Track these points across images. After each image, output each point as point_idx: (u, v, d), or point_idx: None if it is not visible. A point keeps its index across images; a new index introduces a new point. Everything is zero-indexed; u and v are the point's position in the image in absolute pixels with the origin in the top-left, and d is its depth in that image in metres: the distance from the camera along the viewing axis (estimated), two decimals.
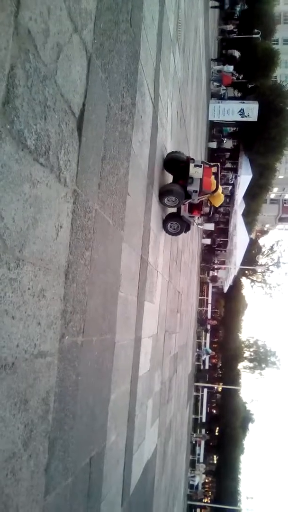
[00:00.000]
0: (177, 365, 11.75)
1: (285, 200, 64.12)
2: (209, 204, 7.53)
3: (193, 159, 6.71)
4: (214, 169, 6.95)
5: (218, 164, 7.28)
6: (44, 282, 2.34)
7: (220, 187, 7.23)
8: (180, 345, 12.82)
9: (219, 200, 7.41)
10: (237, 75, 28.25)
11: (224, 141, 30.81)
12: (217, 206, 7.82)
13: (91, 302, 3.21)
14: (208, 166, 6.80)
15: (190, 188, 6.57)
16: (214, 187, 6.90)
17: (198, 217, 7.82)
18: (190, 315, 18.19)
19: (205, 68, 17.46)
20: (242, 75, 30.44)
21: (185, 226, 7.51)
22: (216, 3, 25.47)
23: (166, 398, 9.17)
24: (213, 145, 27.50)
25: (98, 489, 3.85)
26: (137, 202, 4.77)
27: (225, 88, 25.44)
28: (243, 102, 24.15)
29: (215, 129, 29.33)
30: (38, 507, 2.44)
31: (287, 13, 58.87)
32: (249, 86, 30.01)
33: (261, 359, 55.75)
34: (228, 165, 30.85)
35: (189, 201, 6.80)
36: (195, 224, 8.05)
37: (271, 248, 51.45)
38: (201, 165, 6.63)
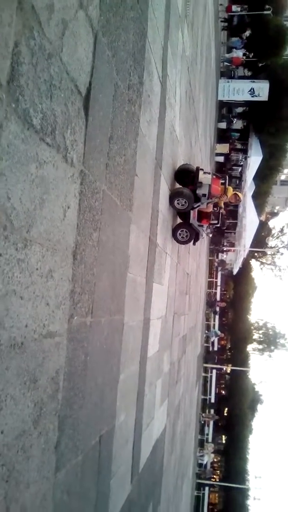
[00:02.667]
0: (186, 346, 11.82)
1: None
2: (218, 210, 7.79)
3: (202, 169, 7.07)
4: (222, 180, 7.35)
5: (226, 176, 7.81)
6: (52, 263, 2.35)
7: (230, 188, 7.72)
8: (189, 326, 12.88)
9: (229, 192, 7.73)
10: (247, 53, 27.70)
11: (234, 121, 30.39)
12: (229, 199, 8.08)
13: (100, 283, 3.22)
14: (216, 176, 7.22)
15: (199, 192, 6.91)
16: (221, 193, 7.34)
17: (207, 226, 8.03)
18: (199, 297, 18.22)
19: (214, 45, 17.12)
20: (252, 54, 29.84)
21: (195, 235, 7.72)
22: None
23: (175, 379, 9.25)
24: (223, 125, 27.13)
25: (108, 467, 3.92)
26: (145, 183, 4.74)
27: (235, 67, 24.99)
28: (254, 81, 23.73)
29: (225, 108, 28.91)
30: (49, 484, 2.49)
31: None
32: (260, 64, 29.36)
33: (270, 341, 55.88)
34: (238, 146, 30.47)
35: (198, 204, 7.06)
36: (204, 233, 8.21)
37: (281, 230, 51.04)
38: (210, 173, 7.08)
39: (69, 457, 2.81)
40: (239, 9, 26.02)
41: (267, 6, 27.38)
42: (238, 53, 24.91)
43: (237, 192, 8.09)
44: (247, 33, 27.14)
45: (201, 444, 30.62)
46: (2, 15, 1.72)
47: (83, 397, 2.98)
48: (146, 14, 4.31)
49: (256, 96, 22.90)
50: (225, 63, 24.80)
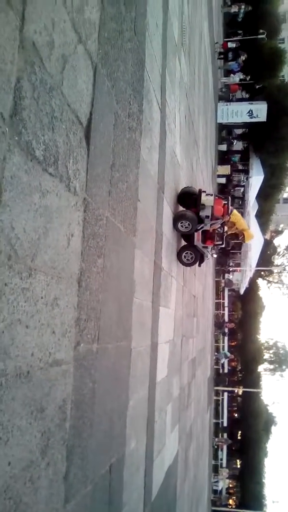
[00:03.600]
0: (195, 369, 11.68)
1: None
2: (222, 231, 7.86)
3: (204, 191, 7.21)
4: (224, 201, 7.45)
5: (229, 196, 7.94)
6: (57, 291, 2.36)
7: (250, 232, 7.85)
8: (198, 349, 12.76)
9: (249, 237, 7.87)
10: (244, 76, 28.23)
11: (234, 143, 30.76)
12: (246, 242, 8.34)
13: (106, 309, 3.22)
14: (219, 197, 7.36)
15: (202, 214, 7.04)
16: (224, 214, 7.40)
17: (211, 247, 8.10)
18: (207, 318, 18.10)
19: (211, 70, 17.46)
20: (249, 76, 30.42)
21: (199, 256, 7.77)
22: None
23: (185, 403, 9.12)
24: (223, 147, 27.47)
25: (119, 496, 3.85)
26: (148, 208, 4.78)
27: (233, 94, 25.50)
28: (251, 103, 24.10)
29: (225, 131, 29.31)
30: None
31: None
32: (257, 86, 29.93)
33: (281, 361, 55.09)
34: (239, 166, 30.76)
35: (202, 226, 7.14)
36: (209, 255, 8.26)
37: (287, 248, 50.99)
38: (212, 194, 7.22)
39: (79, 488, 2.76)
40: (234, 44, 26.91)
41: (261, 31, 28.06)
42: (235, 78, 25.49)
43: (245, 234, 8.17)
44: (243, 57, 27.76)
45: (215, 469, 29.94)
46: (4, 54, 1.79)
47: (91, 425, 2.95)
48: (143, 45, 4.42)
49: (254, 117, 23.22)
50: (223, 89, 25.33)
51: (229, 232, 7.95)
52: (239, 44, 27.63)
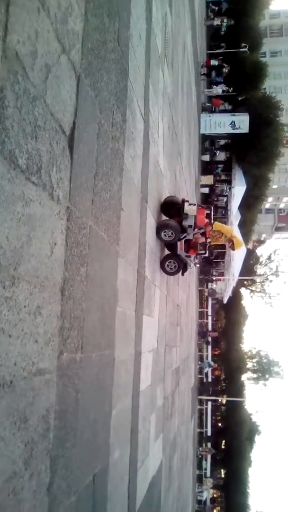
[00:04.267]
0: (179, 378, 11.67)
1: (280, 209, 64.58)
2: (208, 244, 7.91)
3: (187, 200, 7.25)
4: (207, 210, 7.59)
5: (211, 206, 8.02)
6: (40, 300, 2.35)
7: (239, 238, 7.91)
8: (182, 358, 12.76)
9: (239, 244, 7.91)
10: (227, 88, 28.67)
11: (217, 154, 31.12)
12: (236, 249, 8.31)
13: (89, 318, 3.22)
14: (201, 207, 7.41)
15: (185, 223, 7.09)
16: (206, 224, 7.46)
17: (194, 257, 8.16)
18: (191, 328, 18.13)
19: (194, 81, 17.69)
20: (232, 88, 30.90)
21: (183, 265, 7.83)
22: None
23: (169, 413, 9.09)
24: (206, 157, 27.77)
25: (103, 507, 3.81)
26: (132, 217, 4.80)
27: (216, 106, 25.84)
28: (234, 115, 24.48)
29: (208, 141, 29.63)
30: None
31: (272, 26, 60.06)
32: (239, 98, 30.43)
33: (264, 370, 55.42)
34: (222, 177, 31.09)
35: (185, 235, 7.20)
36: (192, 264, 8.32)
37: (269, 257, 51.55)
38: (195, 204, 7.25)
39: (62, 499, 2.73)
40: (216, 62, 27.44)
41: (243, 44, 28.59)
42: (218, 90, 25.87)
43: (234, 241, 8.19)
44: (226, 70, 28.22)
45: (200, 479, 29.85)
46: None
47: (75, 435, 2.93)
48: (127, 56, 4.47)
49: (237, 128, 23.57)
50: (206, 103, 25.71)
51: (219, 243, 8.00)
52: (221, 62, 28.13)
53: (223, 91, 27.62)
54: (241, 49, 29.09)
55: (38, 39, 2.27)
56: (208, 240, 7.74)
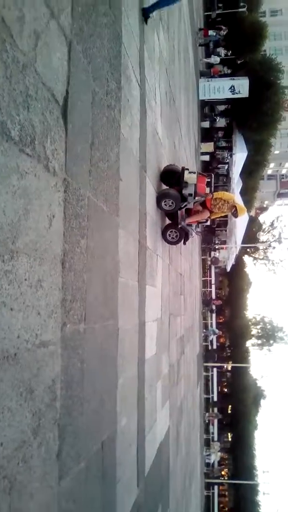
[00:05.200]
0: (184, 347, 11.82)
1: (283, 175, 63.85)
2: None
3: (187, 168, 7.11)
4: (208, 178, 7.41)
5: (212, 174, 7.87)
6: (41, 272, 2.35)
7: (241, 205, 7.77)
8: (186, 327, 12.89)
9: (242, 211, 7.80)
10: (226, 51, 27.90)
11: (217, 120, 30.55)
12: (240, 216, 8.18)
13: (91, 290, 3.23)
14: (202, 175, 7.24)
15: (185, 192, 6.99)
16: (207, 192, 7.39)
17: (196, 225, 8.11)
18: (194, 296, 18.25)
19: (191, 46, 17.21)
20: (230, 51, 30.07)
21: (184, 235, 7.80)
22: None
23: (175, 380, 9.25)
24: (206, 124, 27.28)
25: (112, 472, 3.92)
26: (131, 187, 4.76)
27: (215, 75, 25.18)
28: (233, 79, 23.86)
29: (207, 107, 29.05)
30: (53, 493, 2.49)
31: None
32: (238, 62, 29.64)
33: (268, 336, 55.98)
34: (223, 143, 30.63)
35: (185, 204, 7.12)
36: (193, 233, 8.25)
37: (272, 224, 51.30)
38: (195, 172, 7.11)
39: (72, 465, 2.81)
40: (214, 33, 26.67)
41: (241, 4, 27.65)
42: (216, 59, 25.19)
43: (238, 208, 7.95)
44: (223, 32, 27.37)
45: (207, 443, 30.62)
46: None
47: (81, 404, 2.98)
48: (119, 20, 4.33)
49: (237, 93, 23.01)
50: (205, 69, 25.07)
51: (223, 214, 7.88)
52: (219, 34, 27.35)
53: (222, 60, 26.90)
54: (240, 9, 28.17)
55: (24, 3, 2.18)
56: (213, 212, 7.64)
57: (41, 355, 2.36)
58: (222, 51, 26.10)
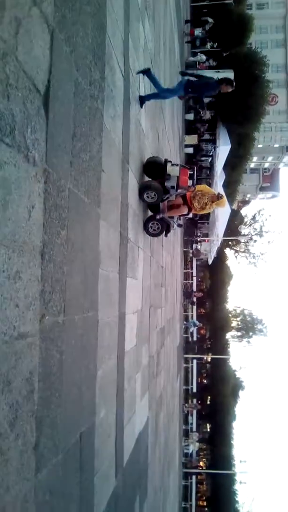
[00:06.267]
0: (164, 338, 11.89)
1: (265, 169, 64.37)
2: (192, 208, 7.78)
3: (170, 161, 7.16)
4: (190, 171, 7.39)
5: (194, 167, 7.89)
6: (19, 264, 2.33)
7: (223, 196, 7.76)
8: (167, 318, 12.95)
9: (222, 204, 7.78)
10: (212, 43, 27.84)
11: (202, 112, 30.51)
12: (222, 206, 8.18)
13: (71, 281, 3.21)
14: (184, 167, 7.27)
15: (168, 184, 7.01)
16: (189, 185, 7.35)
17: (177, 218, 8.14)
18: (175, 288, 18.33)
19: (177, 37, 17.12)
20: (216, 44, 30.00)
21: (166, 227, 7.80)
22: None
23: (155, 371, 9.31)
24: (190, 116, 27.21)
25: (90, 463, 3.93)
26: (113, 179, 4.73)
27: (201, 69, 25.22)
28: (219, 71, 23.79)
29: (192, 100, 28.97)
30: (30, 485, 2.49)
31: None
32: (224, 54, 29.59)
33: (248, 328, 56.77)
34: (207, 136, 30.64)
35: (167, 196, 7.14)
36: (175, 225, 8.27)
37: (253, 217, 51.77)
38: (178, 165, 7.15)
39: (49, 457, 2.81)
40: (200, 34, 26.87)
41: None
42: (202, 57, 25.24)
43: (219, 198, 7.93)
44: (209, 25, 27.34)
45: (186, 434, 30.96)
46: None
47: (60, 396, 2.98)
48: (104, 8, 4.27)
49: None
50: (190, 60, 25.14)
51: (206, 211, 7.89)
52: (205, 33, 27.51)
53: (207, 59, 27.07)
54: (226, 1, 28.09)
55: None
56: (196, 208, 7.64)
57: (19, 347, 2.34)
58: (204, 56, 26.29)
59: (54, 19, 2.82)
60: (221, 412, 39.75)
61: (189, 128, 26.83)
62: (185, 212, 7.51)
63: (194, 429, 33.65)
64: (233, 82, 6.84)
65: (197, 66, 25.08)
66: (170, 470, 15.23)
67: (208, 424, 43.32)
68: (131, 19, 5.90)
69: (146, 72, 6.66)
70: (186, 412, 31.46)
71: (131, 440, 6.19)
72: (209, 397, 43.16)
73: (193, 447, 31.15)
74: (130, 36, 5.79)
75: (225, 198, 8.23)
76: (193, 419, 33.93)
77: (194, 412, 34.01)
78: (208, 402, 42.99)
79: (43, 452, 2.69)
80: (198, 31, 27.01)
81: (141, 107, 6.79)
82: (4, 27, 2.13)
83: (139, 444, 6.91)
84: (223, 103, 25.56)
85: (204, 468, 39.88)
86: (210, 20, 27.80)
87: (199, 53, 26.06)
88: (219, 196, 7.79)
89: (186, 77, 7.10)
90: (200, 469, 37.40)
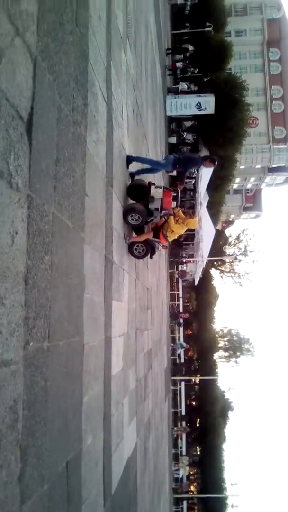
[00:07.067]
0: (151, 361, 11.80)
1: (248, 189, 65.33)
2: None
3: (154, 183, 7.28)
4: (174, 193, 7.46)
5: (178, 189, 8.02)
6: (2, 290, 2.31)
7: (195, 217, 7.88)
8: (154, 341, 12.88)
9: (194, 224, 7.84)
10: (192, 69, 28.63)
11: (185, 135, 31.07)
12: (193, 228, 8.26)
13: (55, 306, 3.19)
14: (168, 189, 7.38)
15: (151, 206, 7.09)
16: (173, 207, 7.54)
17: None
18: (162, 310, 18.29)
19: (159, 64, 17.51)
20: (197, 69, 30.79)
21: (151, 249, 7.84)
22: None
23: (142, 395, 9.20)
24: (173, 140, 27.71)
25: (78, 493, 3.84)
26: (97, 203, 4.75)
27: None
28: (200, 96, 24.41)
29: (174, 123, 29.54)
30: None
31: (237, 5, 59.71)
32: (205, 79, 30.35)
33: (235, 348, 56.70)
34: None
35: (152, 218, 7.23)
36: (160, 247, 8.31)
37: (238, 237, 52.35)
38: (161, 187, 7.29)
39: (35, 488, 2.74)
40: (181, 65, 28.20)
41: (207, 23, 28.43)
42: (183, 86, 26.32)
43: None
44: (189, 52, 28.33)
45: (176, 458, 30.48)
46: None
47: (45, 424, 2.92)
48: (86, 37, 4.37)
49: (203, 110, 23.53)
50: (172, 87, 26.09)
51: (180, 231, 7.85)
52: (186, 64, 28.84)
53: (188, 87, 28.27)
54: (206, 29, 28.96)
55: None
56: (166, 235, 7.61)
57: (2, 374, 2.30)
58: (186, 85, 27.32)
59: (37, 48, 2.87)
60: (211, 434, 39.32)
61: (172, 151, 27.24)
62: (150, 236, 7.48)
63: (184, 452, 33.14)
64: (216, 160, 7.53)
65: (178, 91, 25.76)
66: (161, 496, 14.92)
67: (198, 447, 42.71)
68: (113, 47, 6.03)
69: (133, 160, 7.28)
70: (175, 435, 31.04)
71: (119, 467, 6.07)
72: (198, 419, 42.67)
73: (184, 471, 30.67)
74: (112, 64, 5.91)
75: (197, 218, 8.33)
76: (182, 443, 33.46)
77: (184, 435, 33.55)
78: (198, 425, 42.48)
79: (28, 483, 2.62)
80: (179, 64, 28.20)
81: (127, 167, 7.09)
82: None
83: (127, 470, 6.78)
84: (205, 126, 26.11)
85: (195, 492, 39.18)
86: (190, 48, 28.71)
87: (180, 82, 26.92)
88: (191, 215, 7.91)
89: (172, 156, 7.72)
90: (191, 494, 36.70)
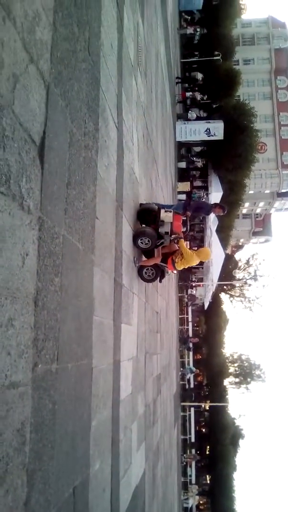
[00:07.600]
0: (161, 386, 11.65)
1: (257, 214, 65.44)
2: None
3: (163, 207, 7.41)
4: (183, 217, 7.70)
5: (187, 213, 8.27)
6: (12, 311, 2.32)
7: (207, 249, 8.03)
8: (163, 365, 12.74)
9: (206, 256, 7.87)
10: (202, 96, 29.19)
11: (194, 160, 31.45)
12: (205, 260, 8.43)
13: (64, 328, 3.18)
14: (177, 213, 7.50)
15: (161, 230, 7.18)
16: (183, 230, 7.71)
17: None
18: (171, 334, 18.15)
19: (169, 90, 17.85)
20: (206, 96, 31.36)
21: (160, 272, 7.86)
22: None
23: (151, 421, 9.05)
24: (182, 165, 28.03)
25: None
26: (107, 226, 4.79)
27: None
28: (209, 122, 24.77)
29: (183, 149, 29.93)
30: None
31: (245, 35, 61.18)
32: (214, 106, 30.87)
33: (246, 373, 55.85)
34: (199, 183, 31.38)
35: (161, 242, 7.28)
36: (169, 271, 8.34)
37: (247, 262, 52.22)
38: (171, 211, 7.34)
39: None
40: (190, 95, 29.11)
41: (216, 52, 29.07)
42: (193, 115, 26.83)
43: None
44: (200, 77, 28.88)
45: (185, 486, 29.75)
46: None
47: (52, 447, 2.89)
48: (98, 65, 4.48)
49: (212, 135, 23.86)
50: (181, 113, 26.61)
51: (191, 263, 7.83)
52: (194, 94, 29.76)
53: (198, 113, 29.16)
54: (215, 57, 29.59)
55: (4, 48, 2.25)
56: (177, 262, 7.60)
57: (10, 396, 2.29)
58: (195, 114, 28.00)
59: (50, 75, 2.95)
60: (221, 462, 38.36)
61: (182, 175, 27.52)
62: (158, 261, 7.46)
63: (194, 481, 32.34)
64: (225, 208, 8.06)
65: (188, 119, 26.29)
66: None
67: (208, 476, 41.65)
68: (124, 74, 6.17)
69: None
70: (184, 463, 30.36)
71: (127, 494, 5.94)
72: (208, 447, 41.73)
73: (193, 501, 29.88)
74: (123, 90, 6.04)
75: (208, 249, 8.38)
76: (192, 471, 32.69)
77: (193, 463, 32.81)
78: (208, 452, 41.53)
79: (34, 508, 2.58)
80: (188, 94, 28.93)
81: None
82: (2, 83, 2.23)
83: (136, 497, 6.62)
84: (214, 152, 26.39)
85: None
86: (199, 76, 29.42)
87: (190, 111, 27.47)
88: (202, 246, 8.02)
89: (182, 203, 8.32)
90: None
